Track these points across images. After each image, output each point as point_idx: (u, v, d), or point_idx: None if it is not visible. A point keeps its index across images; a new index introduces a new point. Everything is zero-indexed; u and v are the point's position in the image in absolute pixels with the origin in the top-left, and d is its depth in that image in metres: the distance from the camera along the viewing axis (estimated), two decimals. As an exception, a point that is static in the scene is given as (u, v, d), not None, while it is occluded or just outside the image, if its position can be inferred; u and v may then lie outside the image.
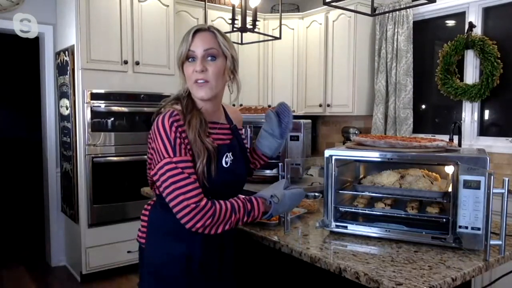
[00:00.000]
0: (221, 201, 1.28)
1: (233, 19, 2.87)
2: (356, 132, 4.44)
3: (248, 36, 3.39)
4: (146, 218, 1.44)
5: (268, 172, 2.76)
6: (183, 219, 1.22)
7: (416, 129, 4.05)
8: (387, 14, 4.05)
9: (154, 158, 1.31)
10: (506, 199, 1.29)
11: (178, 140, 1.27)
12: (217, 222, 1.25)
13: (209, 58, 1.34)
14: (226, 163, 1.38)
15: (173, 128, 1.27)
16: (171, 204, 1.24)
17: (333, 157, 1.62)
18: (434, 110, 4.15)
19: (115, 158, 3.60)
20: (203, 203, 1.23)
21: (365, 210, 1.69)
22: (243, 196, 1.37)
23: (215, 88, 1.35)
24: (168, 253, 1.36)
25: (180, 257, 1.34)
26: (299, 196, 1.45)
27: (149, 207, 1.46)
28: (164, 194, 1.26)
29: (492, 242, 1.35)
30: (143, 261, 1.43)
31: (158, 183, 1.29)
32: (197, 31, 1.35)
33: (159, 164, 1.26)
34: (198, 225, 1.22)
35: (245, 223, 1.34)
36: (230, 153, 1.41)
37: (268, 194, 1.37)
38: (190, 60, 1.35)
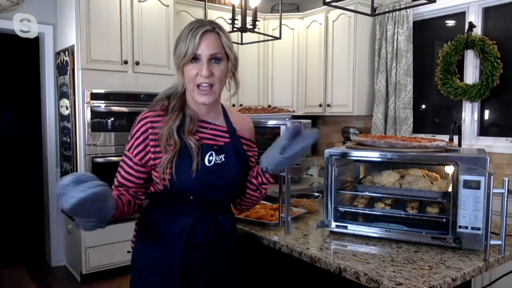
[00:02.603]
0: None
1: (233, 19, 2.87)
2: (356, 132, 4.44)
3: (248, 36, 3.39)
4: (137, 221, 1.43)
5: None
6: None
7: (416, 129, 4.05)
8: (387, 14, 4.05)
9: None
10: (506, 199, 1.29)
11: (137, 137, 1.31)
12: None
13: (213, 61, 1.29)
14: (210, 162, 1.33)
15: (141, 124, 1.32)
16: None
17: (333, 157, 1.62)
18: (434, 110, 4.15)
19: (115, 158, 3.59)
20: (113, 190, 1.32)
21: (365, 210, 1.69)
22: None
23: (218, 92, 1.33)
24: (150, 258, 1.35)
25: (161, 261, 1.33)
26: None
27: (141, 209, 1.44)
28: None
29: (492, 242, 1.35)
30: (131, 264, 1.42)
31: None
32: (204, 33, 1.28)
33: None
34: None
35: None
36: (223, 155, 1.36)
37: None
38: (193, 61, 1.28)
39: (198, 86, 1.29)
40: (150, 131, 1.30)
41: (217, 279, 1.40)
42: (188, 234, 1.33)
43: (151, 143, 1.30)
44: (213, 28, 1.31)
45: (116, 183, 1.35)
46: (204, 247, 1.36)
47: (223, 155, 1.37)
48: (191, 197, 1.32)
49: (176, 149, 1.28)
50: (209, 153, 1.34)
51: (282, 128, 2.94)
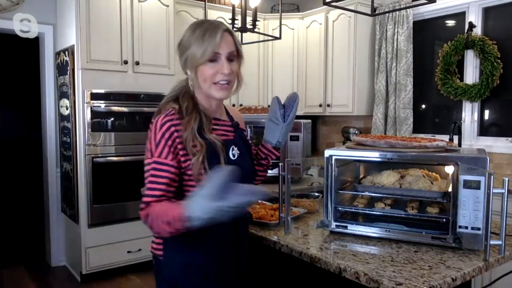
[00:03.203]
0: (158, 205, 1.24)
1: (233, 19, 2.87)
2: (356, 132, 4.44)
3: (248, 36, 3.39)
4: None
5: (269, 172, 2.76)
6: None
7: (416, 129, 4.05)
8: (387, 14, 4.05)
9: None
10: (506, 199, 1.29)
11: (165, 142, 1.28)
12: (154, 225, 1.21)
13: (230, 59, 1.35)
14: (234, 156, 1.39)
15: (164, 128, 1.29)
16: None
17: (333, 157, 1.62)
18: (434, 110, 4.15)
19: (115, 158, 3.60)
20: (151, 205, 1.25)
21: (365, 210, 1.69)
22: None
23: (232, 88, 1.40)
24: (186, 262, 1.34)
25: (199, 265, 1.34)
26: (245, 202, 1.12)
27: None
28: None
29: (492, 242, 1.35)
30: (162, 273, 1.38)
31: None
32: (223, 32, 1.33)
33: (146, 161, 1.31)
34: (147, 225, 1.25)
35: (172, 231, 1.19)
36: (236, 148, 1.42)
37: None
38: (210, 61, 1.32)
39: (215, 83, 1.33)
40: (175, 134, 1.29)
41: (246, 274, 1.45)
42: (223, 230, 1.36)
43: (179, 146, 1.29)
44: (227, 28, 1.37)
45: (157, 193, 1.26)
46: (236, 241, 1.41)
47: (237, 147, 1.43)
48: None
49: (203, 149, 1.29)
50: (231, 148, 1.40)
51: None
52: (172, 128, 1.29)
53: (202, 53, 1.30)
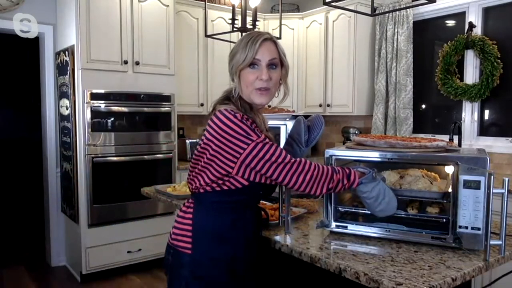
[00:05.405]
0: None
1: (233, 19, 2.87)
2: (356, 132, 4.44)
3: (248, 36, 3.38)
4: (189, 222, 1.41)
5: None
6: (290, 182, 1.31)
7: (416, 129, 4.05)
8: (387, 14, 4.05)
9: (221, 156, 1.33)
10: (506, 199, 1.29)
11: (253, 126, 1.35)
12: (320, 178, 1.33)
13: (270, 66, 1.41)
14: None
15: (244, 118, 1.34)
16: (274, 177, 1.31)
17: (333, 157, 1.62)
18: (434, 110, 4.15)
19: (115, 158, 3.60)
20: (301, 160, 1.33)
21: (365, 210, 1.69)
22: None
23: (273, 95, 1.45)
24: (214, 257, 1.38)
25: (226, 260, 1.38)
26: (393, 201, 1.45)
27: (190, 210, 1.43)
28: (263, 172, 1.31)
29: (492, 242, 1.35)
30: (184, 267, 1.39)
31: (248, 170, 1.33)
32: (264, 40, 1.39)
33: (245, 151, 1.29)
34: (302, 180, 1.30)
35: (343, 189, 1.39)
36: None
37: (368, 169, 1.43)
38: (251, 67, 1.39)
39: (255, 89, 1.40)
40: (250, 120, 1.36)
41: (258, 269, 1.52)
42: (250, 230, 1.44)
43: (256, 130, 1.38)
44: (271, 37, 1.44)
45: (293, 159, 1.34)
46: (256, 240, 1.49)
47: None
48: (261, 192, 1.43)
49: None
50: None
51: (282, 128, 2.93)
52: (250, 120, 1.37)
53: (244, 58, 1.37)
